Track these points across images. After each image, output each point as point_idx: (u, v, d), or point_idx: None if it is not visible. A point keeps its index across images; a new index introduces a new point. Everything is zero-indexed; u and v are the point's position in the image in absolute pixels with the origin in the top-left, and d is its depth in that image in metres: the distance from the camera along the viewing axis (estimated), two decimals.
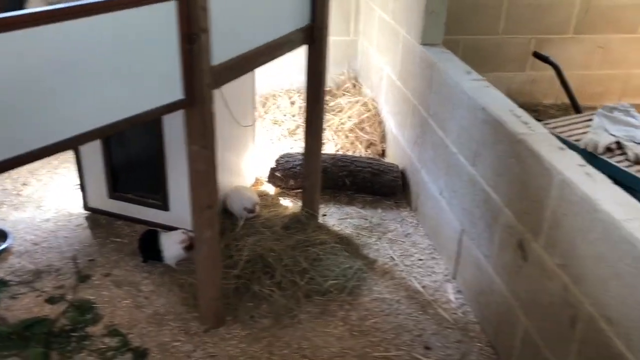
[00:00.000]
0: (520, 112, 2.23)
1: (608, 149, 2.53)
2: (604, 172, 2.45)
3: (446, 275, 2.75)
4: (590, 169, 1.82)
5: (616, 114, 2.85)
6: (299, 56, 4.48)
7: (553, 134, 2.66)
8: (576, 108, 3.24)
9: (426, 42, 3.03)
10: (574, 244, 1.74)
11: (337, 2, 4.24)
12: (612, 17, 4.57)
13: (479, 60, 4.58)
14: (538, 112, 4.63)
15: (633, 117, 2.82)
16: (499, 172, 2.20)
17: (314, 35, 2.61)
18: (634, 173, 2.35)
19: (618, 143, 2.57)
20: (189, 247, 2.57)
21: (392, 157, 3.60)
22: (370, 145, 3.76)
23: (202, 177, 2.04)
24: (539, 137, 2.02)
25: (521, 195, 2.04)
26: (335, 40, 4.37)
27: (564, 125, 2.79)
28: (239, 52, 2.08)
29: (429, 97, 2.92)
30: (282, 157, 3.36)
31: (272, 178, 3.34)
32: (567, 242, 1.78)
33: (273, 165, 3.34)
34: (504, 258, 2.19)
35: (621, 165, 2.42)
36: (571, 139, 2.63)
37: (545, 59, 3.38)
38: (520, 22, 4.49)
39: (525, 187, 2.01)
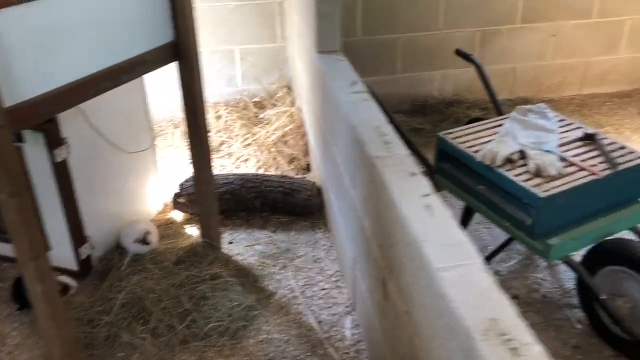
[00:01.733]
0: (388, 130, 1.96)
1: (509, 160, 2.25)
2: (499, 186, 2.22)
3: (347, 307, 2.49)
4: (433, 199, 1.55)
5: (530, 117, 2.56)
6: (225, 67, 4.30)
7: (452, 145, 2.40)
8: (498, 110, 2.95)
9: (323, 49, 2.77)
10: (411, 290, 1.48)
11: (259, 8, 3.99)
12: (562, 3, 4.25)
13: (422, 58, 4.30)
14: (487, 109, 4.32)
15: (548, 119, 2.53)
16: (365, 198, 1.94)
17: (180, 52, 2.37)
18: (527, 186, 2.07)
19: (522, 152, 2.28)
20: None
21: (316, 172, 3.34)
22: (293, 160, 3.51)
23: (18, 228, 1.81)
24: (393, 160, 1.76)
25: (380, 227, 1.78)
26: (260, 47, 4.13)
27: (471, 134, 2.50)
28: (54, 86, 1.84)
29: (324, 109, 2.66)
30: (187, 180, 3.12)
31: (176, 204, 3.11)
32: (408, 287, 1.52)
33: (177, 190, 3.11)
34: (375, 294, 1.93)
35: (519, 178, 2.13)
36: (472, 150, 2.35)
37: (467, 57, 3.10)
38: (463, 15, 4.19)
39: (381, 218, 1.75)
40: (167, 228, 3.02)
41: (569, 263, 2.13)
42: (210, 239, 2.78)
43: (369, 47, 4.20)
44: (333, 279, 2.67)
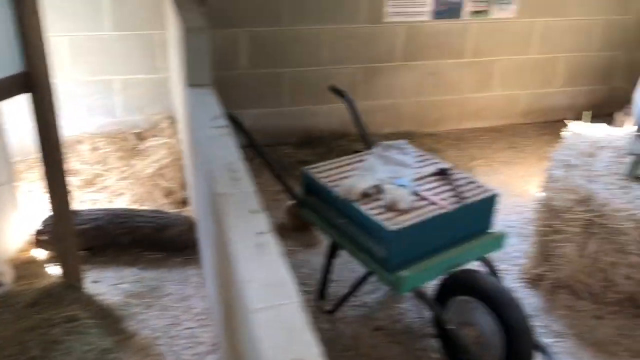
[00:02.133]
0: (239, 167, 1.95)
1: (366, 194, 2.31)
2: (356, 220, 2.27)
3: (212, 346, 2.43)
4: (267, 238, 1.55)
5: (391, 152, 2.66)
6: (104, 97, 4.16)
7: (315, 179, 2.44)
8: (367, 144, 3.04)
9: (193, 83, 2.74)
10: (239, 332, 1.46)
11: (141, 39, 3.92)
12: (439, 43, 4.50)
13: (309, 92, 4.39)
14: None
15: (407, 155, 2.64)
16: (214, 235, 1.91)
17: (31, 83, 2.26)
18: (378, 220, 2.13)
19: (379, 186, 2.35)
20: None
21: (193, 206, 3.28)
22: (170, 193, 3.42)
23: None
24: (237, 197, 1.75)
25: (221, 266, 1.76)
26: (143, 78, 4.04)
27: (334, 168, 2.55)
28: None
29: (192, 143, 2.63)
30: (51, 216, 2.95)
31: (39, 242, 2.93)
32: (238, 328, 1.49)
33: (39, 227, 2.94)
34: (226, 334, 1.89)
35: (372, 212, 2.20)
36: (333, 184, 2.40)
37: (339, 93, 3.18)
38: (347, 52, 4.33)
39: (222, 256, 1.72)
40: (26, 268, 2.83)
41: (419, 295, 2.20)
42: (70, 279, 2.63)
43: (255, 79, 4.23)
44: (200, 317, 2.60)
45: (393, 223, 2.14)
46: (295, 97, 4.38)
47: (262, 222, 1.64)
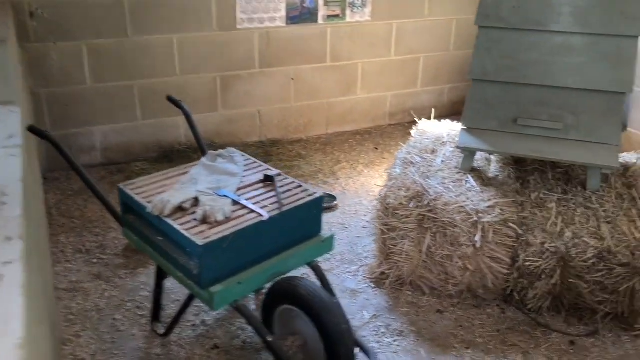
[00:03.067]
0: (14, 190, 1.76)
1: (181, 209, 2.19)
2: (169, 237, 2.15)
3: None
4: (13, 268, 1.38)
5: (219, 161, 2.55)
6: None
7: (130, 196, 2.28)
8: (204, 154, 2.91)
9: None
10: None
11: None
12: (297, 49, 4.47)
13: (163, 104, 4.19)
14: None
15: (235, 163, 2.54)
16: None
17: None
18: (188, 235, 2.01)
19: (198, 199, 2.24)
20: None
21: None
22: None
23: None
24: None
25: None
26: None
27: (155, 182, 2.41)
28: None
29: None
30: None
31: None
32: None
33: None
34: None
35: (184, 227, 2.07)
36: (149, 200, 2.25)
37: (176, 104, 3.03)
38: (200, 61, 4.20)
39: None
40: None
41: (237, 308, 2.10)
42: None
43: (103, 94, 4.00)
44: None
45: (204, 236, 2.02)
46: (148, 111, 4.19)
47: (14, 250, 1.47)
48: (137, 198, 2.28)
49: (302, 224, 2.31)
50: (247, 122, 4.54)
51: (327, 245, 2.37)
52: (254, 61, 4.38)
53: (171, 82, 4.17)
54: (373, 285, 2.87)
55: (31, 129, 2.50)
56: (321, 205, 2.37)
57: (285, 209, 2.22)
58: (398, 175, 2.91)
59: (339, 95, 4.80)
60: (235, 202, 2.26)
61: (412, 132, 3.62)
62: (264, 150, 4.45)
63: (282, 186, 2.41)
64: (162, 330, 2.50)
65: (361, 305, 2.74)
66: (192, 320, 2.59)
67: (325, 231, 2.39)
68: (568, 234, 2.52)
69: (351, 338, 2.04)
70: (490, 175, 2.95)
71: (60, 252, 3.07)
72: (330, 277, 2.90)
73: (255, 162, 2.62)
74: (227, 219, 2.14)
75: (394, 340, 2.52)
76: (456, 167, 2.95)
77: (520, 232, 2.58)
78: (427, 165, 3.03)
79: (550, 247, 2.51)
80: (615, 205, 2.63)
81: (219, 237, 2.04)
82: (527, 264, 2.55)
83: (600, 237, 2.49)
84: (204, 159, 2.56)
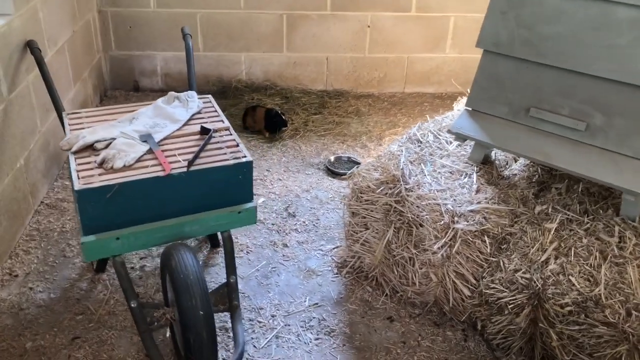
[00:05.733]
0: None
1: (93, 147, 2.05)
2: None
3: None
4: None
5: (171, 104, 2.36)
6: None
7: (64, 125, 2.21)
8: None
9: None
10: None
11: None
12: None
13: (225, 37, 4.08)
14: (291, 98, 4.11)
15: (186, 108, 2.32)
16: None
17: None
18: (74, 176, 1.88)
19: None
20: None
21: None
22: None
23: None
24: None
25: None
26: None
27: (101, 114, 2.28)
28: None
29: None
30: None
31: None
32: None
33: None
34: None
35: (82, 167, 1.94)
36: (77, 132, 2.15)
37: (184, 36, 2.82)
38: None
39: None
40: None
41: (114, 264, 1.95)
42: None
43: (165, 20, 3.99)
44: None
45: (88, 181, 1.88)
46: (209, 42, 4.10)
47: None
48: (67, 128, 2.20)
49: (219, 189, 2.05)
50: (313, 68, 4.25)
51: (245, 217, 2.09)
52: (326, 1, 4.02)
53: (234, 15, 4.01)
54: (335, 272, 2.53)
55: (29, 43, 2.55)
56: (250, 171, 2.08)
57: (193, 168, 1.98)
58: (388, 152, 2.47)
59: (423, 50, 4.25)
60: (151, 151, 2.07)
61: (455, 104, 3.08)
62: (321, 100, 4.14)
63: (216, 142, 2.16)
64: (95, 265, 2.46)
65: (309, 290, 2.43)
66: (133, 264, 2.52)
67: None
68: (553, 266, 1.93)
69: (208, 327, 1.78)
70: (506, 172, 2.38)
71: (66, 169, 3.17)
72: (298, 252, 2.64)
73: (214, 112, 2.39)
74: (126, 167, 1.97)
75: (316, 339, 2.20)
76: (459, 156, 2.43)
77: (492, 250, 2.04)
78: (436, 147, 2.53)
79: (522, 277, 1.95)
80: None
81: (101, 185, 1.88)
82: (489, 291, 2.02)
83: (594, 282, 1.87)
84: (160, 99, 2.39)
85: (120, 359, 2.08)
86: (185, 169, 1.97)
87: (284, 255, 2.62)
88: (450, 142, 2.56)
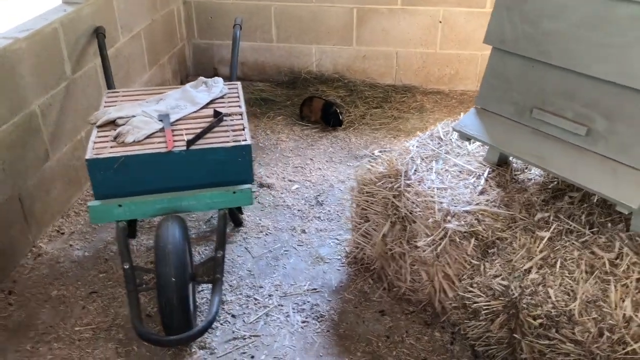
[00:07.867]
0: None
1: (115, 123, 2.28)
2: None
3: None
4: None
5: (197, 88, 2.54)
6: None
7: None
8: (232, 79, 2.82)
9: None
10: None
11: None
12: None
13: (296, 29, 4.22)
14: (355, 91, 4.15)
15: (209, 93, 2.48)
16: None
17: None
18: (90, 146, 2.13)
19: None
20: None
21: None
22: None
23: None
24: None
25: None
26: None
27: (137, 95, 2.52)
28: None
29: None
30: None
31: None
32: None
33: None
34: None
35: (98, 139, 2.18)
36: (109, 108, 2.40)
37: (234, 26, 2.99)
38: None
39: None
40: None
41: (116, 228, 2.16)
42: None
43: (242, 11, 4.21)
44: None
45: (98, 152, 2.11)
46: (282, 33, 4.26)
47: None
48: (102, 104, 2.46)
49: (217, 169, 2.19)
50: (382, 62, 4.25)
51: (240, 197, 2.21)
52: None
53: (306, 8, 4.14)
54: (343, 261, 2.57)
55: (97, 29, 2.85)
56: (249, 154, 2.19)
57: (193, 147, 2.14)
58: (402, 148, 2.46)
59: None
60: (163, 129, 2.26)
61: None
62: (385, 95, 4.14)
63: (225, 126, 2.29)
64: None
65: (312, 275, 2.50)
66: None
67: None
68: (534, 276, 1.83)
69: (179, 293, 1.92)
70: (521, 176, 2.27)
71: None
72: (313, 238, 2.72)
73: (236, 98, 2.53)
74: (135, 142, 2.17)
75: (303, 322, 2.26)
76: (467, 154, 2.35)
77: (478, 253, 1.97)
78: (456, 145, 2.47)
79: (499, 284, 1.87)
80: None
81: (109, 156, 2.10)
82: (467, 294, 1.95)
83: (573, 296, 1.74)
84: (189, 83, 2.58)
85: (125, 316, 2.29)
86: (181, 148, 2.13)
87: (299, 241, 2.70)
88: (472, 142, 2.48)
